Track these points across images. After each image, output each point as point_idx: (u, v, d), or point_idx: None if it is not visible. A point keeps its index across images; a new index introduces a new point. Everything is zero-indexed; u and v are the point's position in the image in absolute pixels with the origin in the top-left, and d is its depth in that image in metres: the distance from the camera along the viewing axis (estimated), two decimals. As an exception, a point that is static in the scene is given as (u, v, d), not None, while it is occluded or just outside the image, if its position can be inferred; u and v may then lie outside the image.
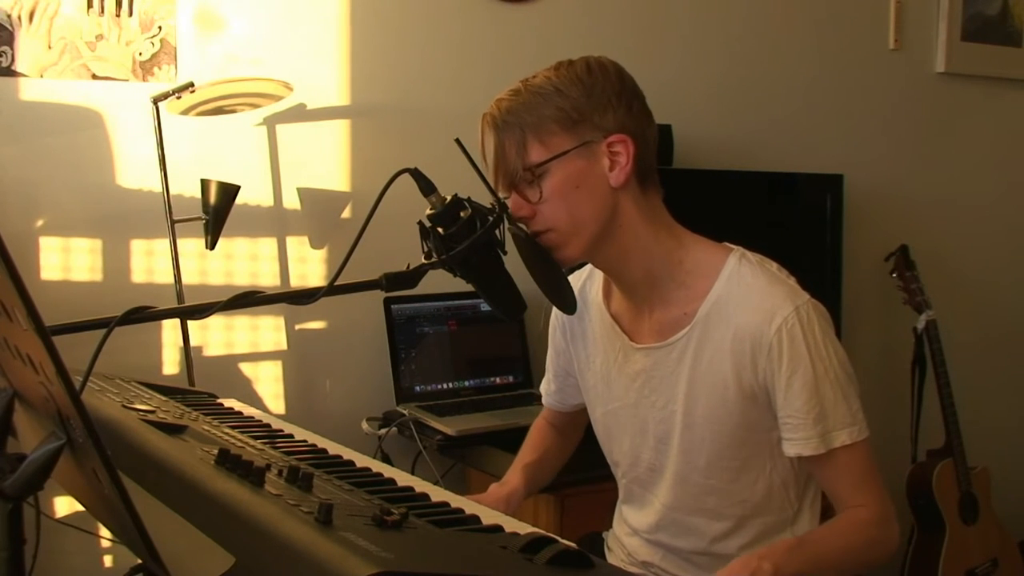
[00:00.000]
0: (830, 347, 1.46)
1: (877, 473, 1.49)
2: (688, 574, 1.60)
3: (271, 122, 2.43)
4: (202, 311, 1.32)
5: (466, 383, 2.55)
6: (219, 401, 1.77)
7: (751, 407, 1.48)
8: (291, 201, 2.46)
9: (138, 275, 2.32)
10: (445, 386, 2.51)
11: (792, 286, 1.49)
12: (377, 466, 1.38)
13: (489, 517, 1.19)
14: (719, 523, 1.56)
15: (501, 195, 1.47)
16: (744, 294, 1.46)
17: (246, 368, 2.43)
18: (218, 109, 2.27)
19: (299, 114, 2.46)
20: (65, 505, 2.14)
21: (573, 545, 1.00)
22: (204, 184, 2.22)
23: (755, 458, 1.52)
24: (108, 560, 2.26)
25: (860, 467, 1.47)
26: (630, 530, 1.68)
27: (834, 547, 1.45)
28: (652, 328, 1.54)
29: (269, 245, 2.45)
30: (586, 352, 1.66)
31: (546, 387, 1.82)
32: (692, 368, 1.50)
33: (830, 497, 1.53)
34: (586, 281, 1.67)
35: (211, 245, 2.23)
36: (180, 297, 2.21)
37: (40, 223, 2.24)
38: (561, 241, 1.47)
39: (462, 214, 1.42)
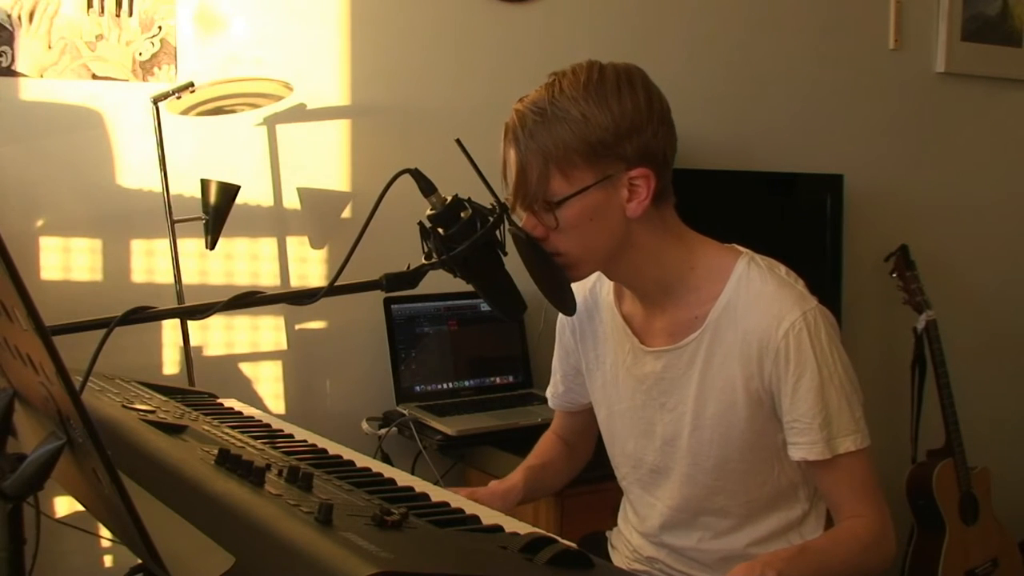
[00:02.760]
0: (835, 354, 1.46)
1: (877, 484, 1.49)
2: (694, 571, 1.61)
3: (271, 122, 2.43)
4: (202, 311, 1.32)
5: (466, 383, 2.54)
6: (219, 401, 1.77)
7: (758, 411, 1.48)
8: (291, 201, 2.46)
9: (138, 275, 2.32)
10: (445, 386, 2.51)
11: (800, 291, 1.49)
12: (377, 466, 1.38)
13: (489, 517, 1.20)
14: (726, 522, 1.57)
15: (515, 213, 1.46)
16: (752, 298, 1.46)
17: (246, 368, 2.43)
18: (218, 109, 2.27)
19: (299, 114, 2.46)
20: (65, 505, 2.14)
21: (573, 545, 1.00)
22: (204, 184, 2.22)
23: (763, 461, 1.52)
24: (108, 560, 2.25)
25: (861, 476, 1.47)
26: (634, 529, 1.69)
27: (835, 556, 1.45)
28: (664, 330, 1.54)
29: (269, 245, 2.45)
30: (596, 352, 1.66)
31: (553, 390, 1.81)
32: (703, 371, 1.50)
33: (829, 505, 1.54)
34: (596, 282, 1.66)
35: (211, 245, 2.23)
36: (180, 297, 2.21)
37: (40, 223, 2.24)
38: (570, 264, 1.48)
39: (462, 214, 1.42)
